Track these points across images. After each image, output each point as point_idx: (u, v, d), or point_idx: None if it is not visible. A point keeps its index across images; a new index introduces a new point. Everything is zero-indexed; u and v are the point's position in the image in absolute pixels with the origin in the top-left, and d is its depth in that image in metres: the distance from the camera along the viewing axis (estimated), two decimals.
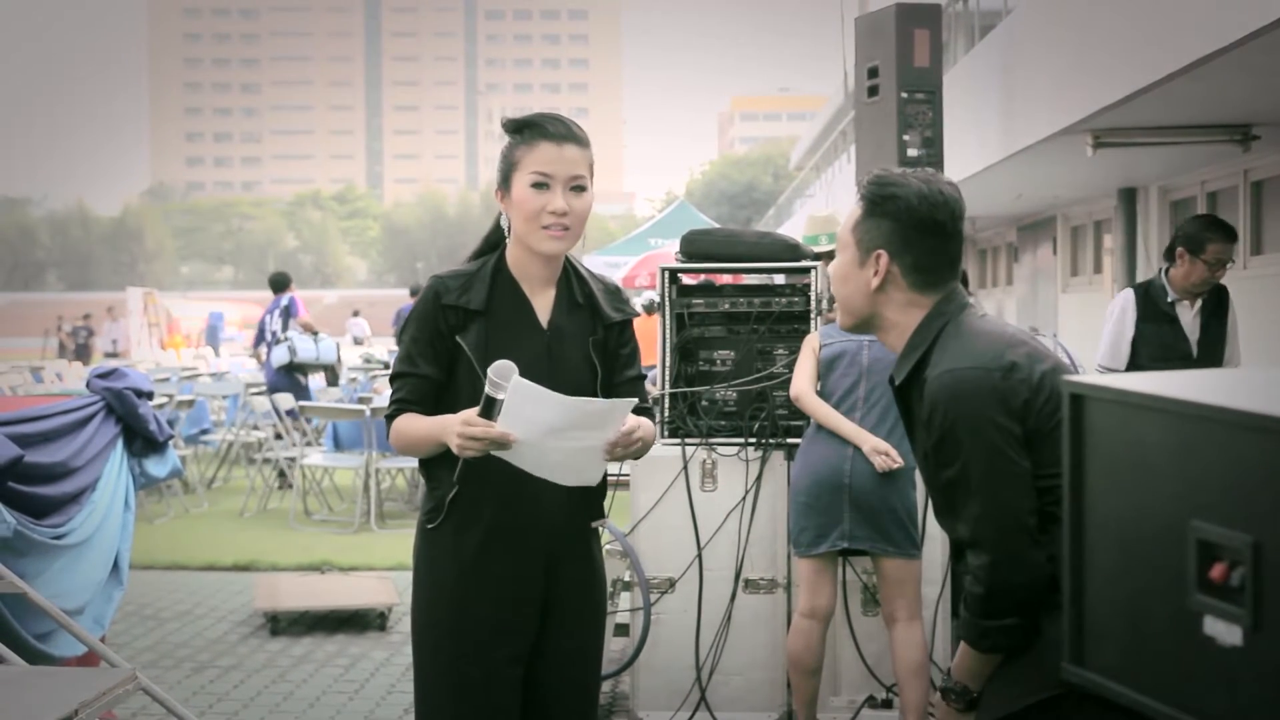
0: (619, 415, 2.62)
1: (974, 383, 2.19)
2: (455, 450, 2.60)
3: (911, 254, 2.35)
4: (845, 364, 4.49)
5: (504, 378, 2.55)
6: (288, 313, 12.24)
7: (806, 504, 4.47)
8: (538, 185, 2.71)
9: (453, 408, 2.70)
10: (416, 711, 2.85)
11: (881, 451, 4.33)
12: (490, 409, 2.57)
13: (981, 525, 2.21)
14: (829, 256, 4.96)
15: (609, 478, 2.90)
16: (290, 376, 11.74)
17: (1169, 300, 5.57)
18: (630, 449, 2.67)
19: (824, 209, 7.90)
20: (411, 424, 2.73)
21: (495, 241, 2.85)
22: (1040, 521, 2.22)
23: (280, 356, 11.78)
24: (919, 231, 2.34)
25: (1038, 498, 2.21)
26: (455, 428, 2.59)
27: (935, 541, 4.71)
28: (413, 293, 18.11)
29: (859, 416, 4.44)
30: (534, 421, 2.57)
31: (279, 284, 12.52)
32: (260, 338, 12.69)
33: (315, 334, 12.11)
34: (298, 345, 11.79)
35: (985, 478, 2.19)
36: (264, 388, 12.18)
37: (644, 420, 2.77)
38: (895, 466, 4.32)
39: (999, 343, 2.26)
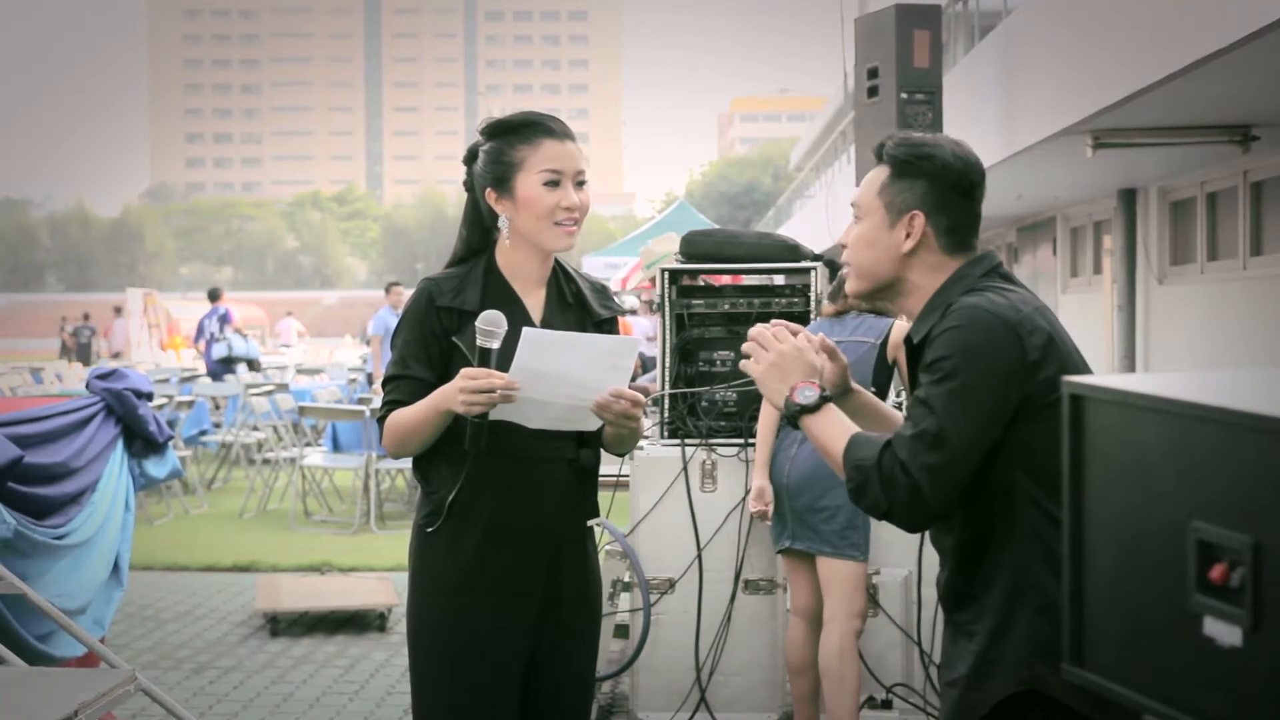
0: (625, 355, 2.66)
1: (991, 327, 2.15)
2: (461, 409, 2.59)
3: (947, 215, 2.29)
4: None
5: (495, 326, 2.60)
6: (224, 319, 15.56)
7: (774, 504, 4.57)
8: (550, 183, 2.73)
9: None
10: (414, 715, 2.84)
11: (756, 499, 4.50)
12: (486, 360, 2.61)
13: (938, 445, 2.12)
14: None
15: (607, 478, 2.89)
16: (227, 366, 15.14)
17: None
18: (634, 411, 2.66)
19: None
20: (407, 412, 2.71)
21: (477, 244, 2.85)
22: (1035, 527, 2.16)
23: (219, 351, 15.26)
24: (955, 192, 2.29)
25: (1033, 510, 2.15)
26: (458, 384, 2.59)
27: (914, 543, 4.67)
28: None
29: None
30: (542, 372, 2.59)
31: (214, 295, 15.99)
32: (199, 335, 16.18)
33: (245, 335, 15.50)
34: (234, 343, 15.40)
35: (961, 405, 2.12)
36: (264, 389, 12.36)
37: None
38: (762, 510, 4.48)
39: (1023, 308, 2.21)
